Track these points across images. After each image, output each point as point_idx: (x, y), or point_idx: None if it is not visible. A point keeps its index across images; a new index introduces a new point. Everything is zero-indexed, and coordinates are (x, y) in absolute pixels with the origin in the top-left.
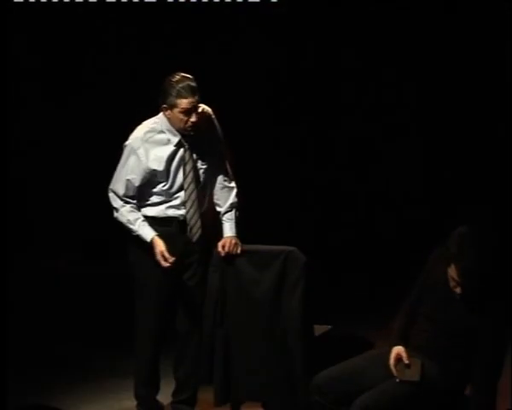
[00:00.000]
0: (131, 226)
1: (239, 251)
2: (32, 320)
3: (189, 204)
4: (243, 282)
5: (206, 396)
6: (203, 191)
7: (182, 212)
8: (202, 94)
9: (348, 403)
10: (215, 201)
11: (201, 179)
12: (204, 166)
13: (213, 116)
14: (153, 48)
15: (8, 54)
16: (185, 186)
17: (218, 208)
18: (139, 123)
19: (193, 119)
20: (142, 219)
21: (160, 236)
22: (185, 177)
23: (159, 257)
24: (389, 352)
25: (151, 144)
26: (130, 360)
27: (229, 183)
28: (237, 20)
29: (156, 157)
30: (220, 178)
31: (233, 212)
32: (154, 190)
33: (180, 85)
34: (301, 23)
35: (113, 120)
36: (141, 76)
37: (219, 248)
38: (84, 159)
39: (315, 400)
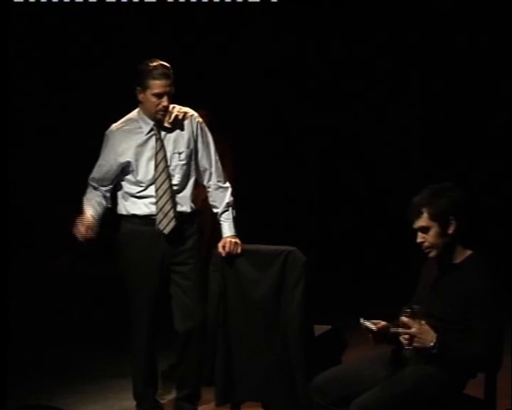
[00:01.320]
0: (84, 206)
1: (239, 251)
2: (32, 320)
3: (159, 193)
4: (243, 282)
5: (206, 396)
6: (180, 187)
7: None
8: (202, 94)
9: (348, 404)
10: (211, 202)
11: (177, 174)
12: (181, 162)
13: (199, 120)
14: (152, 47)
15: (9, 54)
16: (156, 175)
17: (215, 210)
18: None
19: (164, 102)
20: (97, 201)
21: (143, 235)
22: (156, 165)
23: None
24: (389, 352)
25: (124, 132)
26: (130, 361)
27: (223, 183)
28: (237, 20)
29: (127, 145)
30: (213, 180)
31: (230, 211)
32: (129, 178)
33: (154, 69)
34: (301, 23)
35: (113, 121)
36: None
37: (220, 249)
38: (85, 159)
39: (315, 400)
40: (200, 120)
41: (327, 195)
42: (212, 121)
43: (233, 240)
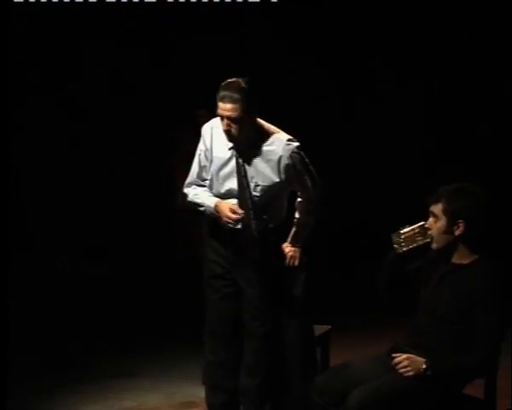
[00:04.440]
0: (198, 200)
1: (296, 263)
2: (32, 320)
3: (243, 209)
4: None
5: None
6: (259, 208)
7: None
8: (202, 93)
9: None
10: (296, 207)
11: (259, 200)
12: (256, 194)
13: (293, 153)
14: (152, 47)
15: (9, 54)
16: (239, 191)
17: (296, 215)
18: (139, 124)
19: (224, 126)
20: (210, 193)
21: (220, 236)
22: (239, 181)
23: (228, 213)
24: (389, 353)
25: (219, 132)
26: (130, 360)
27: (312, 203)
28: (237, 20)
29: (218, 144)
30: (304, 202)
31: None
32: (223, 187)
33: (221, 89)
34: (301, 23)
35: (113, 122)
36: (140, 75)
37: (285, 256)
38: (86, 159)
39: (314, 400)
40: (295, 159)
41: (326, 192)
42: None
43: (292, 252)
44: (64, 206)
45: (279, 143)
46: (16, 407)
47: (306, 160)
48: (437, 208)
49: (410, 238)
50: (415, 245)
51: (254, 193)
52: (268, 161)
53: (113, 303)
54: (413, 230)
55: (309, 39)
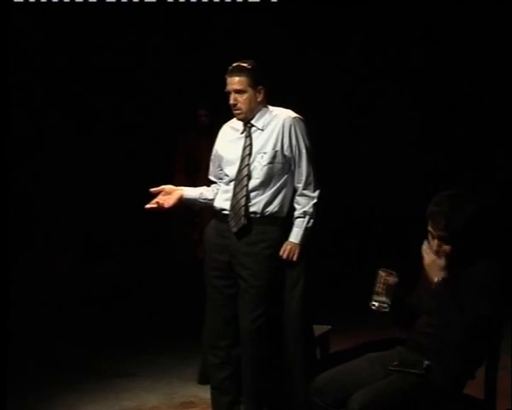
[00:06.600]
0: None
1: (295, 258)
2: (32, 320)
3: (237, 190)
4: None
5: (206, 395)
6: (258, 187)
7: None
8: (203, 92)
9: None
10: (294, 205)
11: (256, 174)
12: (263, 163)
13: (293, 123)
14: (152, 47)
15: (9, 52)
16: (237, 172)
17: (294, 213)
18: (139, 125)
19: (231, 100)
20: (204, 189)
21: (217, 230)
22: (240, 163)
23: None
24: (388, 353)
25: (227, 128)
26: (130, 360)
27: (310, 192)
28: (237, 20)
29: (224, 139)
30: (300, 186)
31: (304, 219)
32: (222, 173)
33: (228, 70)
34: (301, 23)
35: (113, 122)
36: (140, 75)
37: (280, 253)
38: (86, 160)
39: (313, 401)
40: (296, 123)
41: (326, 191)
42: (213, 121)
43: (289, 246)
44: (64, 206)
45: (285, 112)
46: (16, 407)
47: (308, 136)
48: (440, 230)
49: (386, 292)
50: (392, 290)
51: (263, 162)
52: (274, 128)
53: (114, 303)
54: (379, 285)
55: (309, 39)
